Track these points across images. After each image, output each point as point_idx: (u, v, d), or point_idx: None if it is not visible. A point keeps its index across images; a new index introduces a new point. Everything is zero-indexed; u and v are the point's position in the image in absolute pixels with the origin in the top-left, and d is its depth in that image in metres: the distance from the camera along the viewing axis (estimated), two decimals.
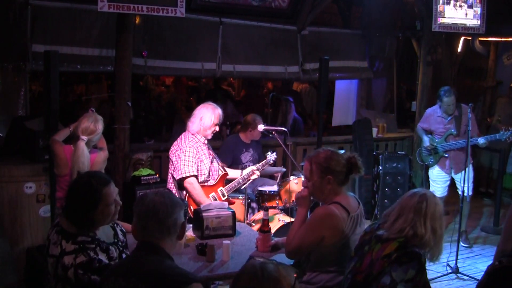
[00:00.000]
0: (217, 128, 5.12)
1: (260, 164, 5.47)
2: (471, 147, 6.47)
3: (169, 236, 2.61)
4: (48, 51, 5.19)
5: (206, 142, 5.13)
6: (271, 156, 5.53)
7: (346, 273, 3.12)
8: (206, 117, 5.01)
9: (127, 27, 5.94)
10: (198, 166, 4.98)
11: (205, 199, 4.90)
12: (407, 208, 2.97)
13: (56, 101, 5.13)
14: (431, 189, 6.69)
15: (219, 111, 5.11)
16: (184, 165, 4.89)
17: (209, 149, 5.20)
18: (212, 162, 5.18)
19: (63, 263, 2.83)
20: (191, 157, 4.91)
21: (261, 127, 5.85)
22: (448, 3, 7.39)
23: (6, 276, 4.92)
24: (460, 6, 7.47)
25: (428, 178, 8.29)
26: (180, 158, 4.92)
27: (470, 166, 6.58)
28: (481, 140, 6.28)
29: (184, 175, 4.90)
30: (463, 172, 6.27)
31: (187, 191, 4.96)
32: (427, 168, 6.88)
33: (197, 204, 4.81)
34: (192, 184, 4.90)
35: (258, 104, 10.99)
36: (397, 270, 2.82)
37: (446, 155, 6.52)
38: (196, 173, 4.94)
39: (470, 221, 7.04)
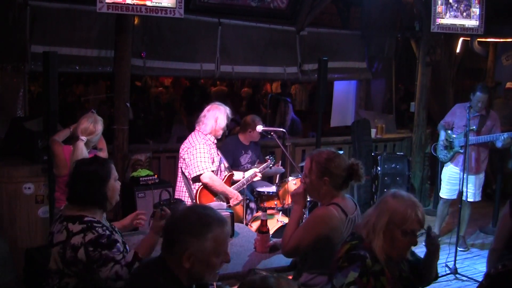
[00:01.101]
0: (226, 128, 5.21)
1: (262, 166, 5.51)
2: (490, 150, 6.47)
3: (174, 254, 2.33)
4: (47, 51, 5.20)
5: (215, 141, 5.20)
6: (271, 160, 5.57)
7: None
8: (221, 118, 5.09)
9: (126, 28, 5.94)
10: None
11: (228, 188, 5.04)
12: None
13: (55, 102, 5.14)
14: (442, 190, 6.67)
15: (228, 109, 5.20)
16: (200, 161, 4.93)
17: (217, 149, 5.27)
18: (220, 162, 5.23)
19: (72, 244, 2.88)
20: (206, 153, 4.96)
21: (259, 128, 5.86)
22: (450, 8, 7.40)
23: (5, 277, 4.92)
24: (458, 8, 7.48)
25: (429, 178, 8.30)
26: (193, 155, 4.96)
27: (483, 173, 6.57)
28: (500, 142, 6.16)
29: (201, 171, 4.92)
30: (474, 176, 6.31)
31: (206, 187, 4.98)
32: (432, 166, 6.82)
33: (220, 195, 4.97)
34: (211, 178, 4.95)
35: (235, 100, 11.06)
36: (337, 276, 2.68)
37: (462, 151, 6.37)
38: (213, 168, 4.99)
39: (469, 222, 7.04)
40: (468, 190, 6.16)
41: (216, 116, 5.08)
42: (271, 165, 5.62)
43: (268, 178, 6.75)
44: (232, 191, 5.10)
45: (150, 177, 5.98)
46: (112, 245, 2.93)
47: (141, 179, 5.90)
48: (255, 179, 5.41)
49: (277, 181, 6.15)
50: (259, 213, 5.60)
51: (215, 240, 2.32)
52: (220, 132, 5.15)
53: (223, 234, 2.36)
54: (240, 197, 5.13)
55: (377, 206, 2.82)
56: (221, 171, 5.22)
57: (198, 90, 10.95)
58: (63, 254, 2.91)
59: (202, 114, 5.15)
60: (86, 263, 2.86)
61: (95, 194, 3.04)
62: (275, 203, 5.72)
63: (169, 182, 6.22)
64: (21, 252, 5.25)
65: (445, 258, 6.02)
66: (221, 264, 2.40)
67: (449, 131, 6.57)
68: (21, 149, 5.78)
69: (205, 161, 4.93)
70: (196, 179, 4.98)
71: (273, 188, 5.79)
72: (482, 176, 6.55)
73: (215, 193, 5.03)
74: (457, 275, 5.78)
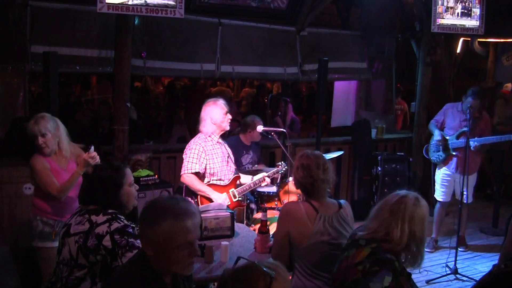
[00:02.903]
0: (229, 116, 5.09)
1: (272, 171, 5.43)
2: (488, 150, 6.43)
3: (153, 247, 2.32)
4: (47, 52, 5.20)
5: (220, 141, 5.13)
6: (282, 167, 5.50)
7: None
8: (214, 113, 5.00)
9: (126, 28, 5.94)
10: (206, 165, 4.95)
11: (207, 191, 4.88)
12: (385, 208, 2.87)
13: (56, 102, 5.14)
14: (436, 193, 6.65)
15: (220, 100, 5.11)
16: (187, 162, 4.89)
17: (224, 149, 5.18)
18: (228, 162, 5.16)
19: (97, 233, 2.96)
20: (196, 154, 4.90)
21: (260, 128, 5.85)
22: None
23: (4, 277, 4.91)
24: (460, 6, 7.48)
25: (430, 179, 8.28)
26: (186, 156, 4.94)
27: (475, 173, 6.53)
28: (474, 143, 6.13)
29: (184, 172, 4.90)
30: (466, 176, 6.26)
31: (187, 185, 4.94)
32: (428, 167, 6.81)
33: (198, 193, 4.88)
34: (190, 179, 4.87)
35: (197, 96, 11.12)
36: (373, 281, 2.70)
37: (455, 153, 6.40)
38: (197, 171, 4.90)
39: (469, 223, 7.04)
40: (460, 190, 6.13)
41: (210, 115, 5.00)
42: (282, 171, 5.54)
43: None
44: (213, 193, 4.89)
45: (151, 177, 5.98)
46: (136, 236, 3.03)
47: (141, 179, 5.89)
48: (262, 184, 5.31)
49: (277, 181, 6.14)
50: (259, 214, 5.59)
51: (169, 232, 2.27)
52: (225, 124, 5.04)
53: (178, 227, 2.28)
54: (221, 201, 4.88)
55: (408, 221, 2.82)
56: (227, 172, 5.13)
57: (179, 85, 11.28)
58: (83, 243, 2.97)
59: (200, 115, 5.09)
60: (111, 249, 2.94)
61: (109, 199, 3.10)
62: (276, 203, 5.71)
63: (169, 182, 6.22)
64: (21, 252, 5.26)
65: (445, 258, 6.03)
66: (188, 257, 2.33)
67: (442, 131, 6.54)
68: (21, 149, 5.77)
69: (192, 162, 4.88)
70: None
71: (273, 189, 5.79)
72: (474, 176, 6.51)
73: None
74: (458, 275, 5.78)
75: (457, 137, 6.35)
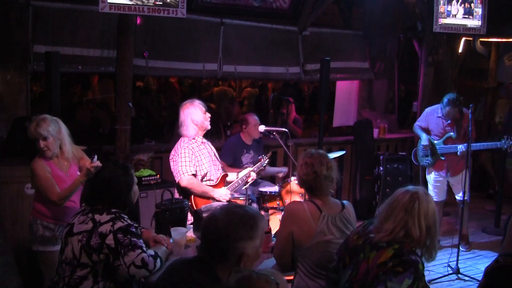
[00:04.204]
0: (208, 114, 5.07)
1: (256, 166, 5.43)
2: (492, 150, 6.42)
3: (228, 260, 2.43)
4: (49, 52, 5.21)
5: (204, 140, 5.11)
6: (265, 159, 5.50)
7: (343, 281, 3.08)
8: (194, 113, 4.97)
9: (128, 28, 5.94)
10: (196, 167, 4.94)
11: (209, 189, 4.88)
12: (398, 207, 2.85)
13: (57, 102, 5.14)
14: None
15: (197, 101, 5.08)
16: (181, 166, 4.85)
17: (210, 148, 5.17)
18: (214, 161, 5.15)
19: (100, 232, 3.00)
20: (187, 157, 4.87)
21: (262, 127, 5.85)
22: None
23: (7, 277, 4.92)
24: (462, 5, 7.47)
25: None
26: (176, 161, 4.90)
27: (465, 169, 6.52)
28: (461, 149, 6.18)
29: (179, 177, 4.87)
30: (460, 175, 6.24)
31: (188, 190, 4.90)
32: (424, 169, 6.82)
33: (203, 196, 4.84)
34: (188, 181, 4.83)
35: (173, 92, 11.18)
36: (392, 280, 2.68)
37: (443, 158, 6.43)
38: (194, 172, 4.89)
39: (471, 222, 7.01)
40: (462, 189, 6.13)
41: (190, 117, 4.96)
42: (265, 164, 5.54)
43: (270, 178, 6.75)
44: (214, 191, 4.90)
45: (152, 177, 5.98)
46: (139, 236, 3.10)
47: (143, 179, 5.90)
48: (249, 179, 5.29)
49: (279, 181, 6.14)
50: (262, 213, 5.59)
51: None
52: (206, 123, 5.02)
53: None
54: (226, 197, 4.93)
55: (424, 217, 2.83)
56: (215, 171, 5.12)
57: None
58: (86, 242, 3.00)
59: (180, 122, 5.03)
60: (114, 248, 2.97)
61: (121, 199, 3.20)
62: (278, 203, 5.71)
63: (171, 182, 6.21)
64: (23, 252, 5.26)
65: (447, 258, 6.02)
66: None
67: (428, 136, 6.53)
68: (23, 149, 5.77)
69: (186, 165, 4.85)
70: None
71: (275, 188, 5.78)
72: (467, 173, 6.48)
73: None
74: (459, 275, 5.77)
75: (444, 142, 6.38)
